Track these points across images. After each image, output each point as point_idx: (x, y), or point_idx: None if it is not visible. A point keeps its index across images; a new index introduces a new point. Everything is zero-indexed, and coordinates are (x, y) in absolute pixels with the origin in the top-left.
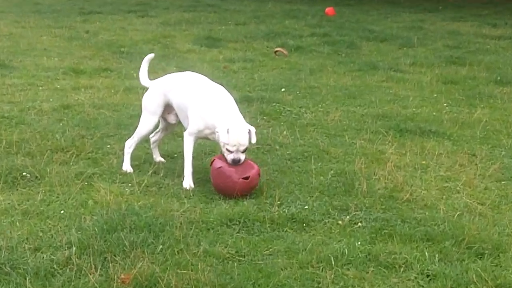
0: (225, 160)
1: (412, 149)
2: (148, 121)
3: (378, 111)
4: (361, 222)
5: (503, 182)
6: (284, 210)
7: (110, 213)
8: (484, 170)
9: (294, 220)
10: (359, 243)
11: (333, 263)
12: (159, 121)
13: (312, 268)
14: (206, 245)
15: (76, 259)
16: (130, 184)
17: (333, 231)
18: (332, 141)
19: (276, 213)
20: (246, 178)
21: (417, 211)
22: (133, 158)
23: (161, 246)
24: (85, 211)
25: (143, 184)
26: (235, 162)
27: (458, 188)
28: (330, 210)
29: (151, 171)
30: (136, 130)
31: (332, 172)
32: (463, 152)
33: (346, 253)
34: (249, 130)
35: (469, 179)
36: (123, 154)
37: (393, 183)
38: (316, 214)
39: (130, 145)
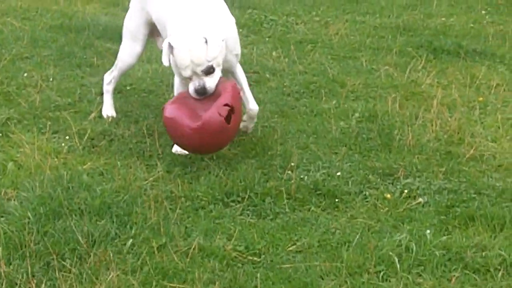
0: (182, 97)
1: (458, 78)
2: (127, 49)
3: (396, 21)
4: (419, 195)
5: None
6: (302, 177)
7: (47, 185)
8: None
9: (319, 192)
10: (428, 231)
11: (398, 266)
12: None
13: (368, 275)
14: (200, 237)
15: (4, 267)
16: (67, 137)
17: (380, 210)
18: (344, 67)
19: (293, 182)
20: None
21: (493, 176)
22: (62, 92)
23: (131, 240)
24: (5, 181)
25: (86, 136)
26: (200, 93)
27: None
28: (369, 175)
29: (94, 114)
30: (116, 60)
31: (356, 115)
32: None
33: (414, 249)
34: (205, 38)
35: None
36: (101, 91)
37: (446, 132)
38: (350, 182)
39: (108, 80)
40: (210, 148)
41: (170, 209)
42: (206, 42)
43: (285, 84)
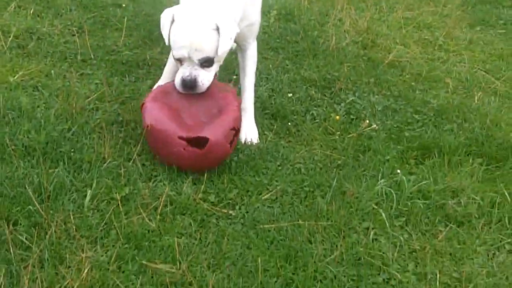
0: (163, 92)
1: None
2: None
3: None
4: (365, 116)
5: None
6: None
7: None
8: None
9: (267, 112)
10: (399, 171)
11: (387, 223)
12: None
13: (356, 235)
14: (166, 185)
15: None
16: None
17: (334, 136)
18: None
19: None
20: (201, 143)
21: (418, 88)
22: None
23: (90, 192)
24: None
25: (12, 34)
26: (187, 87)
27: (440, 42)
28: (311, 90)
29: (14, 4)
30: None
31: (275, 12)
32: None
33: (394, 197)
34: (217, 25)
35: (449, 27)
36: None
37: (358, 33)
38: (295, 100)
39: None
40: (200, 169)
41: (121, 138)
42: (217, 30)
43: None
